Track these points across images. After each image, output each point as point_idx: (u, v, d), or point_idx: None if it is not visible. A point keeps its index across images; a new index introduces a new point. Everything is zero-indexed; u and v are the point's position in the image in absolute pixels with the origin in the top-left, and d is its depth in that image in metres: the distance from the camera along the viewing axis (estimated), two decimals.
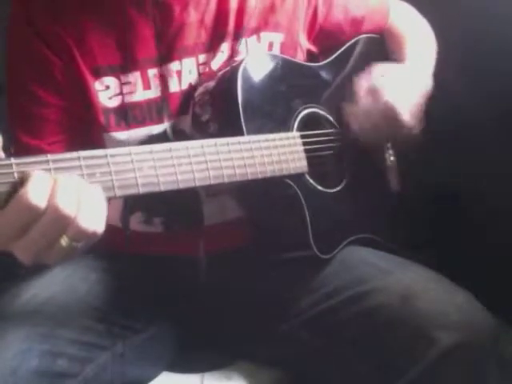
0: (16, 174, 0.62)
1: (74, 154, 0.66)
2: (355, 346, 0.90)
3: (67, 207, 0.62)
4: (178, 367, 1.01)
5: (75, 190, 0.63)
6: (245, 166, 0.84)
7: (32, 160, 0.63)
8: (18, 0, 0.95)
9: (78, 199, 0.63)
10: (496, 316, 0.88)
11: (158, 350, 1.00)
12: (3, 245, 0.63)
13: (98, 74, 0.94)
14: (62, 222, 0.62)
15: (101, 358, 0.90)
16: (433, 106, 1.07)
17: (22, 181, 0.62)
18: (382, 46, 1.17)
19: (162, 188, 0.73)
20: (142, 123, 0.96)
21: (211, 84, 0.96)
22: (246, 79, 0.91)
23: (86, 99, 0.94)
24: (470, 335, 0.83)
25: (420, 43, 1.16)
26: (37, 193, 0.61)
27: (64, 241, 0.63)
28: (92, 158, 0.67)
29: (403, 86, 1.02)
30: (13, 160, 0.62)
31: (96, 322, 0.93)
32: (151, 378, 0.98)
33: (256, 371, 1.00)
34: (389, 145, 1.12)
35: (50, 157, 0.64)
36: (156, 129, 0.96)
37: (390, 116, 1.00)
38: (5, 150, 0.65)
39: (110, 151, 0.69)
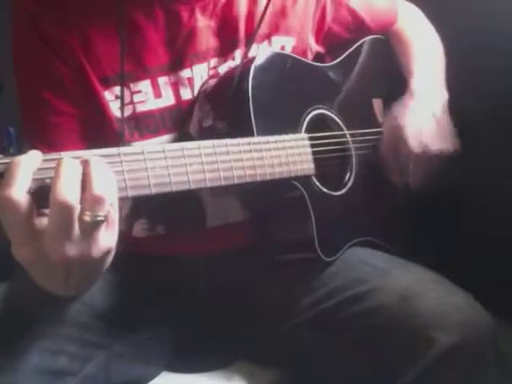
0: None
1: (87, 152, 0.66)
2: (355, 345, 0.90)
3: (69, 194, 0.61)
4: (178, 367, 1.01)
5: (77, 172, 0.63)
6: (254, 167, 0.83)
7: (45, 158, 0.63)
8: (23, 8, 0.92)
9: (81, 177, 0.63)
10: (496, 316, 0.88)
11: (157, 349, 1.00)
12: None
13: (107, 84, 0.91)
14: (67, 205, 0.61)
15: (101, 357, 0.90)
16: None
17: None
18: (389, 47, 1.18)
19: (174, 188, 0.73)
20: (155, 132, 0.94)
21: (215, 83, 0.95)
22: (257, 79, 0.90)
23: (99, 108, 0.92)
24: (469, 336, 0.83)
25: (428, 50, 1.16)
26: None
27: (87, 216, 0.62)
28: (105, 156, 0.67)
29: (424, 120, 1.05)
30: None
31: (96, 320, 0.93)
32: (151, 378, 0.98)
33: (256, 371, 1.00)
34: None
35: (63, 154, 0.64)
36: (171, 138, 0.94)
37: (424, 160, 1.03)
38: None
39: (123, 150, 0.69)
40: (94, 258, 0.64)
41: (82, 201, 0.62)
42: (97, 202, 0.62)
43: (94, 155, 0.66)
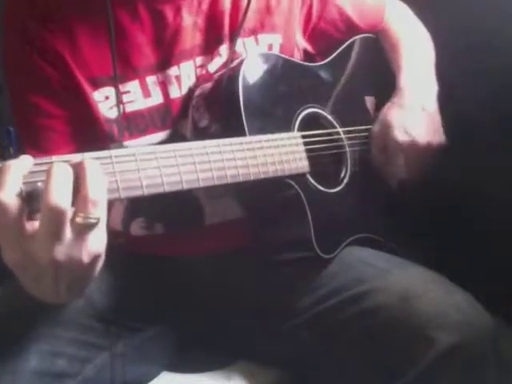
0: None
1: (79, 156, 0.66)
2: (355, 345, 0.90)
3: (60, 198, 0.61)
4: (178, 367, 1.01)
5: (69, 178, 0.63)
6: (248, 166, 0.83)
7: (37, 162, 0.63)
8: (11, 11, 0.92)
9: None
10: (496, 316, 0.88)
11: (158, 349, 1.00)
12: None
13: (95, 85, 0.91)
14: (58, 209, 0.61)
15: (100, 358, 0.91)
16: None
17: None
18: (378, 46, 1.18)
19: (167, 189, 0.73)
20: (144, 131, 0.94)
21: (210, 85, 0.95)
22: (247, 79, 0.91)
23: (88, 110, 0.92)
24: (469, 336, 0.83)
25: (417, 46, 1.16)
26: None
27: (80, 217, 0.62)
28: (96, 159, 0.67)
29: (412, 114, 1.05)
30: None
31: (95, 321, 0.93)
32: (151, 378, 0.99)
33: (256, 371, 1.00)
34: None
35: (54, 158, 0.64)
36: (160, 136, 0.95)
37: (413, 152, 1.03)
38: None
39: (114, 152, 0.69)
40: (83, 263, 0.64)
41: (76, 203, 0.62)
42: (91, 204, 0.62)
43: (86, 158, 0.66)
